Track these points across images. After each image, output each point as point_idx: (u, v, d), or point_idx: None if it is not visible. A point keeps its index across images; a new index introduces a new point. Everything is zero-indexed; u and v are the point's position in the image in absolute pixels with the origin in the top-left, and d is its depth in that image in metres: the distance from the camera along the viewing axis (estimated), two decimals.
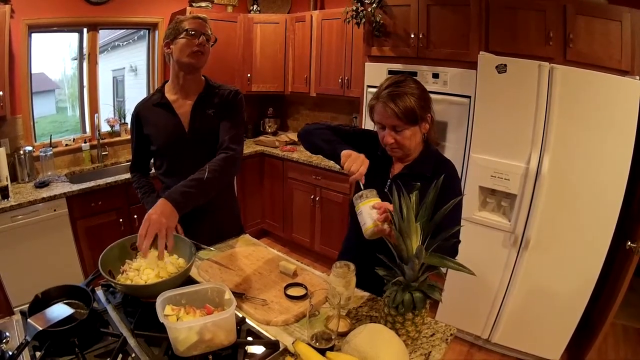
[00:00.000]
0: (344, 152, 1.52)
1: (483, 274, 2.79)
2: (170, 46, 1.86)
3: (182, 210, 1.52)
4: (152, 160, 2.11)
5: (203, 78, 2.00)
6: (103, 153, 3.87)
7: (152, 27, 4.13)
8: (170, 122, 1.91)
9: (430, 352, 1.27)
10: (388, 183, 1.62)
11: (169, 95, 1.94)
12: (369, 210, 1.36)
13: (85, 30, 3.69)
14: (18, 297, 2.86)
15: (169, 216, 1.46)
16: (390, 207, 1.31)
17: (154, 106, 1.94)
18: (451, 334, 1.36)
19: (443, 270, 1.28)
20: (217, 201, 2.02)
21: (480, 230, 2.76)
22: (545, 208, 2.51)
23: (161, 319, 1.10)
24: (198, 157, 1.93)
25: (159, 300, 1.18)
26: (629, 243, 2.36)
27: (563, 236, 2.53)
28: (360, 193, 1.40)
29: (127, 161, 3.88)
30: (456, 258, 1.49)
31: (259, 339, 1.27)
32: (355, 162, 1.46)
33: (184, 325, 1.12)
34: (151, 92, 4.17)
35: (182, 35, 1.82)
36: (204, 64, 1.90)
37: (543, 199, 2.50)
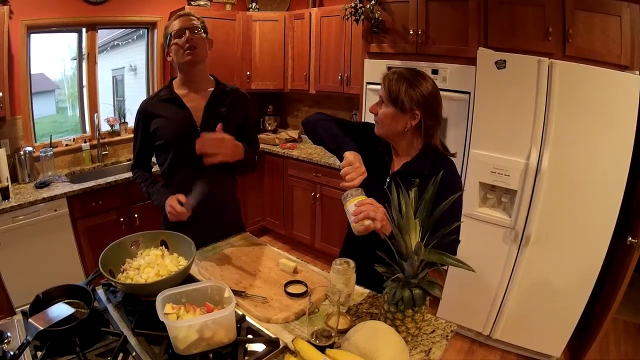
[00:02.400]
0: (347, 156, 1.49)
1: (484, 270, 2.79)
2: (170, 54, 1.90)
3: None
4: (153, 159, 2.11)
5: (210, 76, 2.03)
6: (103, 152, 3.87)
7: (150, 26, 4.12)
8: (181, 115, 1.92)
9: (431, 348, 1.27)
10: (387, 180, 1.62)
11: (179, 90, 1.96)
12: (350, 211, 1.37)
13: (84, 30, 3.68)
14: (19, 297, 2.86)
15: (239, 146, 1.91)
16: (369, 202, 1.34)
17: (161, 102, 1.94)
18: (452, 331, 1.36)
19: (443, 266, 1.28)
20: (219, 199, 2.03)
21: (481, 226, 2.76)
22: (546, 204, 2.51)
23: (161, 318, 1.10)
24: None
25: (159, 299, 1.18)
26: (630, 238, 2.36)
27: (563, 232, 2.53)
28: (345, 194, 1.41)
29: (127, 160, 3.90)
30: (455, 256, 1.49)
31: (259, 336, 1.27)
32: (355, 172, 1.44)
33: (183, 323, 1.12)
34: (151, 91, 4.21)
35: (172, 42, 1.85)
36: (203, 55, 1.91)
37: (543, 195, 2.50)
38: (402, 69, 1.56)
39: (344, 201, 1.41)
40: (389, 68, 3.23)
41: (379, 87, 1.59)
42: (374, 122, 1.65)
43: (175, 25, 1.84)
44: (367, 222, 1.32)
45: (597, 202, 2.40)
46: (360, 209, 1.33)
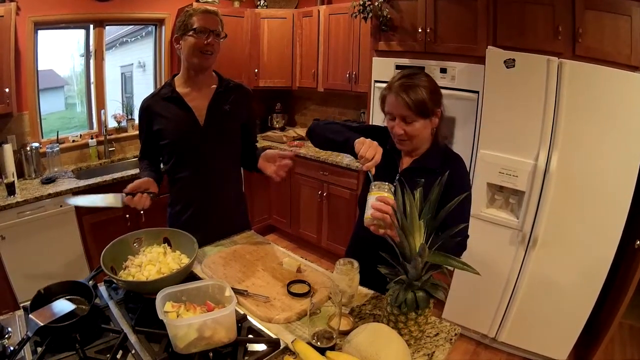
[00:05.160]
0: (359, 140, 1.50)
1: (490, 272, 2.76)
2: (180, 42, 1.83)
3: None
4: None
5: (214, 73, 1.99)
6: (110, 149, 3.88)
7: (158, 22, 4.12)
8: (184, 115, 1.88)
9: (434, 352, 1.25)
10: (397, 178, 1.61)
11: (180, 88, 1.91)
12: (372, 202, 1.34)
13: (91, 26, 3.69)
14: (24, 292, 2.86)
15: None
16: (386, 209, 1.31)
17: (163, 100, 1.90)
18: (455, 334, 1.34)
19: (449, 268, 1.26)
20: (227, 197, 2.02)
21: (488, 227, 2.73)
22: (554, 205, 2.48)
23: (160, 316, 1.10)
24: (212, 149, 1.93)
25: (159, 297, 1.17)
26: (638, 242, 2.33)
27: (571, 234, 2.50)
28: (376, 182, 1.38)
29: (134, 157, 3.90)
30: (464, 254, 1.47)
31: (259, 336, 1.27)
32: (371, 148, 1.44)
33: (183, 322, 1.11)
34: (159, 87, 4.20)
35: (190, 33, 1.78)
36: (214, 63, 1.88)
37: (551, 196, 2.47)
38: (394, 82, 1.52)
39: (371, 188, 1.39)
40: (397, 66, 3.22)
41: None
42: (383, 124, 1.64)
43: (201, 20, 1.77)
44: (381, 231, 1.32)
45: (606, 205, 2.37)
46: (379, 207, 1.30)
